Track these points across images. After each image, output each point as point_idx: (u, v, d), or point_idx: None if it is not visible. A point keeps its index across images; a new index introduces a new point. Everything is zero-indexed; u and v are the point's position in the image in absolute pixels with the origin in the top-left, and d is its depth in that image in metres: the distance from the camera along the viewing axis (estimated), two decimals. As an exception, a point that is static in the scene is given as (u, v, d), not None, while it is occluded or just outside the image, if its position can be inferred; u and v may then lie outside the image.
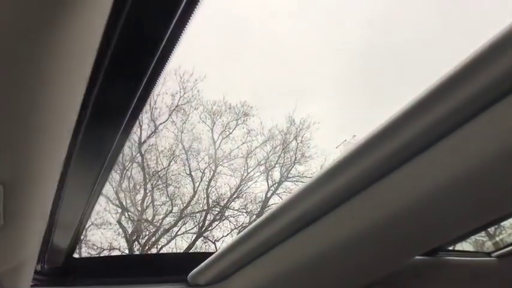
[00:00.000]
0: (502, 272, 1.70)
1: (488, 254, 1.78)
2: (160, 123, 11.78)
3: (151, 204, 11.64)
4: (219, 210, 11.54)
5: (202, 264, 1.23)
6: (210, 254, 1.21)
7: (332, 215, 0.91)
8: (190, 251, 10.56)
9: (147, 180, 11.58)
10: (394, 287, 1.32)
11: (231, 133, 11.99)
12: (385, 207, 0.87)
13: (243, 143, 11.95)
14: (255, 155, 12.01)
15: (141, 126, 11.64)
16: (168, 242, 11.36)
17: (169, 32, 0.63)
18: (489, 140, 0.70)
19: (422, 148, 0.75)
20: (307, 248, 1.01)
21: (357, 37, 11.64)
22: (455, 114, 0.69)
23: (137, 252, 10.78)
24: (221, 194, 11.84)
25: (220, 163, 11.92)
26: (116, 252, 10.76)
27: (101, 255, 10.54)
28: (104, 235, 11.06)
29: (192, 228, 11.64)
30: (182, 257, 1.94)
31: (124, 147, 1.02)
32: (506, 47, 0.60)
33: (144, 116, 11.66)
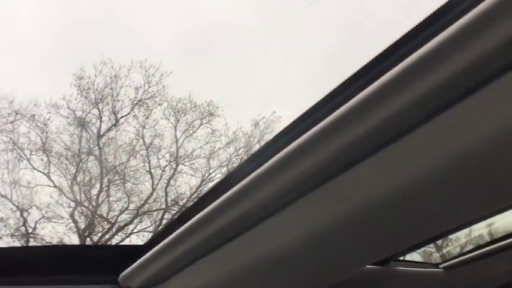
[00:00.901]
0: (449, 283, 1.76)
1: (436, 265, 1.84)
2: (122, 117, 11.47)
3: (106, 200, 11.30)
4: (177, 209, 11.36)
5: (136, 263, 1.08)
6: (149, 247, 1.05)
7: (281, 214, 0.85)
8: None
9: (104, 175, 11.22)
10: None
11: (194, 132, 11.86)
12: (332, 213, 0.84)
13: (206, 143, 11.84)
14: (218, 156, 11.94)
15: (100, 118, 11.29)
16: (123, 239, 11.06)
17: None
18: (444, 145, 0.69)
19: (374, 150, 0.72)
20: (253, 249, 0.95)
21: (320, 45, 11.88)
22: (401, 120, 0.66)
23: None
24: (180, 194, 11.67)
25: (182, 162, 11.75)
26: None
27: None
28: (54, 229, 10.64)
29: (148, 227, 11.40)
30: (114, 251, 1.54)
31: None
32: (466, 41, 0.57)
33: (105, 108, 11.34)
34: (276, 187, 0.79)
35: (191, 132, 11.84)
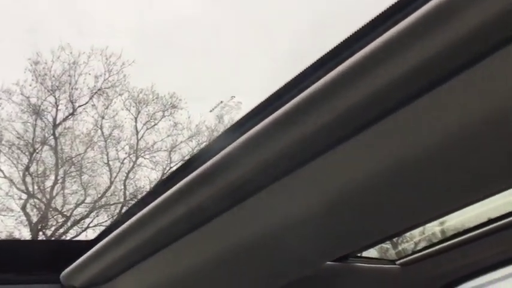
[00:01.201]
0: (405, 279, 1.81)
1: (393, 262, 1.88)
2: (80, 106, 11.03)
3: (61, 192, 10.85)
4: (136, 203, 11.11)
5: (79, 260, 1.00)
6: (94, 244, 0.97)
7: (233, 212, 0.80)
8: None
9: (59, 166, 10.76)
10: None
11: (156, 124, 11.60)
12: (290, 210, 0.82)
13: (168, 136, 11.63)
14: (180, 149, 11.75)
15: (57, 106, 10.80)
16: (79, 234, 10.68)
17: None
18: (398, 142, 0.69)
19: (331, 145, 0.69)
20: (204, 248, 0.91)
21: (285, 44, 11.99)
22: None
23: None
24: (140, 187, 11.39)
25: (142, 154, 11.47)
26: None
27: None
28: (3, 223, 10.12)
29: (105, 221, 11.05)
30: (57, 247, 1.43)
31: None
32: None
33: (62, 96, 10.86)
34: (226, 183, 0.74)
35: (152, 124, 11.58)
